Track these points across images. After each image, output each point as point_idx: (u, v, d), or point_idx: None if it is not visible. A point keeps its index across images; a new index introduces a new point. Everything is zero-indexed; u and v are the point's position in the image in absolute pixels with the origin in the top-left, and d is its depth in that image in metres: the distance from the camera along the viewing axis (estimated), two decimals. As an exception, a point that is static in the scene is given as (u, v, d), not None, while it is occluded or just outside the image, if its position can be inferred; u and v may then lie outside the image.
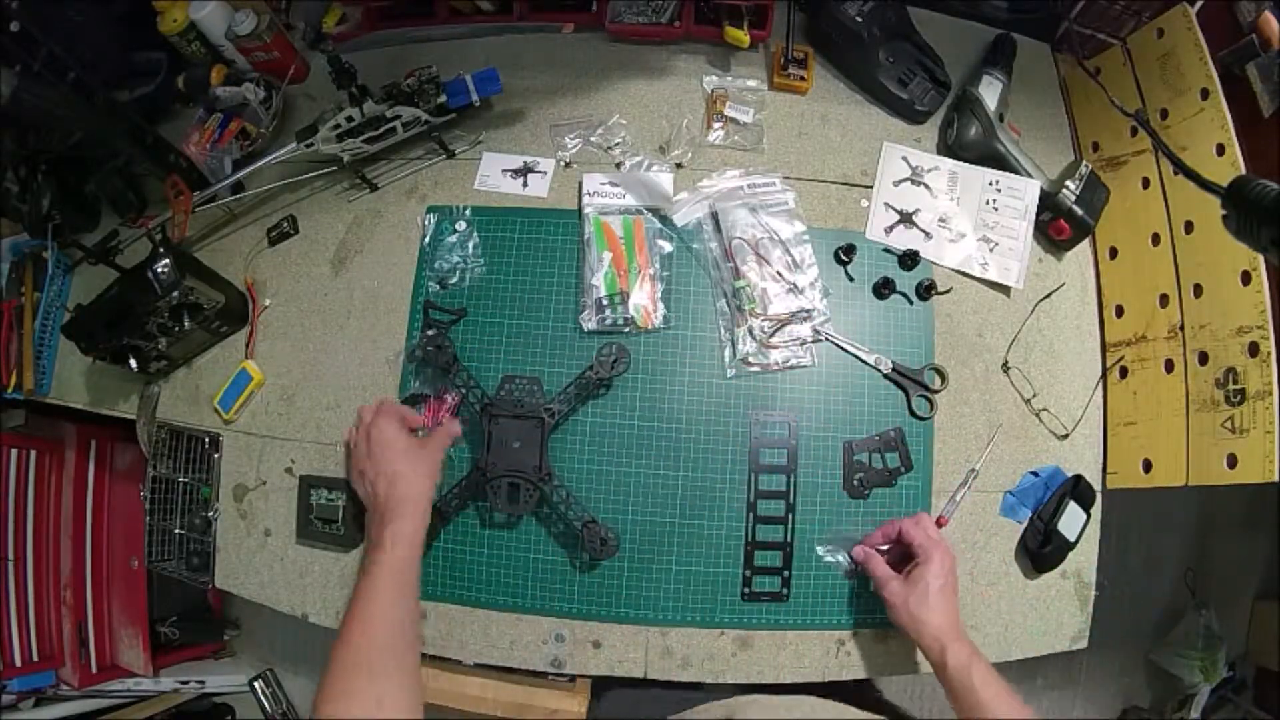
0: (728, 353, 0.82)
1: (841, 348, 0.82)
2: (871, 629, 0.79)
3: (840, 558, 0.79)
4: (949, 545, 0.73)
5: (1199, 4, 0.82)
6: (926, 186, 0.88)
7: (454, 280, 0.86)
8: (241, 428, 0.88)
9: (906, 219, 0.87)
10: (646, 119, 0.91)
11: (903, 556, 0.76)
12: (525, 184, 0.89)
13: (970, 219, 0.87)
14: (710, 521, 0.79)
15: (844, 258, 0.85)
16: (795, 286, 0.82)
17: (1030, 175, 0.86)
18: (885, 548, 0.77)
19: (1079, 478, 0.82)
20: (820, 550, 0.79)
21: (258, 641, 1.67)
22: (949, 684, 0.67)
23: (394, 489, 0.70)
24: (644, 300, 0.82)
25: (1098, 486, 0.83)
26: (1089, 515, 0.81)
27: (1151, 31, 0.85)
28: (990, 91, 0.88)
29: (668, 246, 0.85)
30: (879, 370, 0.82)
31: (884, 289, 0.84)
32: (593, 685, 0.83)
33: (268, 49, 0.96)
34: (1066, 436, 0.83)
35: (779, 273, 0.82)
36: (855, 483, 0.80)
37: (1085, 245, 0.89)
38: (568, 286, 0.84)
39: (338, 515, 0.82)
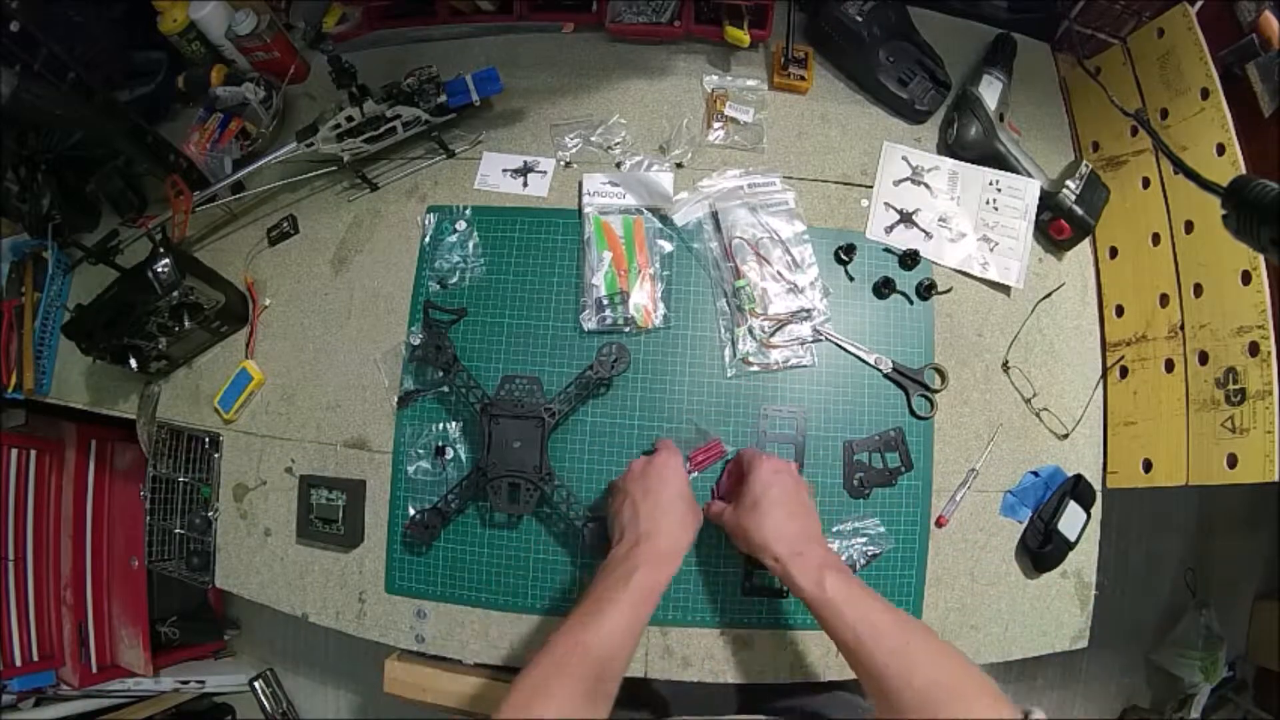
0: (728, 352, 0.82)
1: (842, 347, 0.82)
2: (872, 629, 0.78)
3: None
4: (781, 463, 0.71)
5: (1199, 4, 0.82)
6: (926, 186, 0.88)
7: (454, 280, 0.86)
8: (241, 428, 0.88)
9: (906, 219, 0.87)
10: (646, 119, 0.91)
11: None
12: (525, 184, 0.89)
13: (970, 218, 0.87)
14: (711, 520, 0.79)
15: (844, 257, 0.85)
16: (795, 286, 0.82)
17: (1030, 175, 0.86)
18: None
19: (1079, 477, 0.82)
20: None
21: (258, 641, 1.67)
22: (828, 616, 0.59)
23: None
24: (644, 300, 0.82)
25: (1098, 486, 0.83)
26: (1089, 515, 0.81)
27: (1151, 31, 0.85)
28: (990, 91, 0.88)
29: (668, 246, 0.85)
30: (879, 370, 0.82)
31: (884, 289, 0.84)
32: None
33: (268, 49, 0.97)
34: (1066, 436, 0.83)
35: (779, 272, 0.82)
36: (856, 482, 0.79)
37: (1085, 245, 0.89)
38: (568, 286, 0.84)
39: (338, 515, 0.82)
